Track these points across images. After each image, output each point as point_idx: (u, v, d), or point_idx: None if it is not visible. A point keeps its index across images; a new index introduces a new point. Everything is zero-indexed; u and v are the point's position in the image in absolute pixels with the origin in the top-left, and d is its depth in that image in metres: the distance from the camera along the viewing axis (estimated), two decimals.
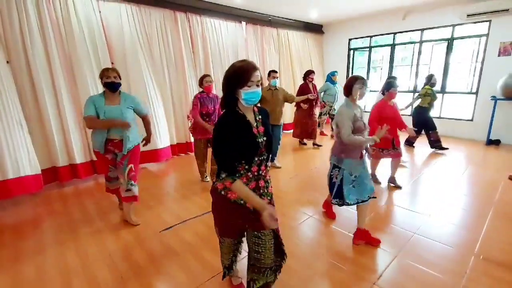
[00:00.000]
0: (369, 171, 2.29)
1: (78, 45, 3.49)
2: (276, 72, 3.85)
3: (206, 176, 3.62)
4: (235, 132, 1.20)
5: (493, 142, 5.00)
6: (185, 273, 1.87)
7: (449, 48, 5.45)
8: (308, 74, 4.74)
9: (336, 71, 5.58)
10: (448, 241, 2.17)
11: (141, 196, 2.60)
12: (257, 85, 1.19)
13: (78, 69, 3.53)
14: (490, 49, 4.95)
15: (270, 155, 1.34)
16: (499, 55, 4.86)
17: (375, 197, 2.16)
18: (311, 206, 2.84)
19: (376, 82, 6.91)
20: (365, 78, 2.25)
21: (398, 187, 3.20)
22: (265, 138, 1.28)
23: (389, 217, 2.62)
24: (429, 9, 5.41)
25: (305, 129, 4.97)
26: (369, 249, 2.08)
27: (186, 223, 2.53)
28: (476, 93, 5.24)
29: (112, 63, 3.86)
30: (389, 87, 3.01)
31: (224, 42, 5.12)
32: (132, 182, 2.41)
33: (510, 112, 4.86)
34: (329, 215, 2.58)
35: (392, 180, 3.26)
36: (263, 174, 1.32)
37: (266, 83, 4.00)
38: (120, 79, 2.30)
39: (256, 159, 1.26)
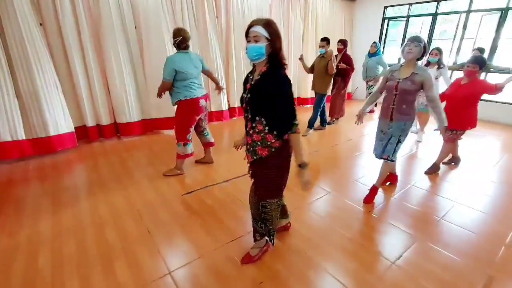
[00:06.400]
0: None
1: (103, 8, 3.47)
2: (322, 40, 3.88)
3: None
4: (243, 82, 1.47)
5: None
6: (208, 234, 1.98)
7: (502, 20, 4.81)
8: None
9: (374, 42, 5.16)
10: (476, 229, 2.07)
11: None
12: (255, 41, 1.26)
13: (103, 32, 3.56)
14: None
15: (261, 118, 1.35)
16: None
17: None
18: (331, 182, 2.82)
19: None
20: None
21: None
22: (249, 95, 1.35)
23: (415, 199, 2.52)
24: None
25: (332, 105, 4.82)
26: (391, 230, 2.07)
27: (206, 189, 2.64)
28: None
29: (135, 27, 3.85)
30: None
31: (248, 7, 4.85)
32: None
33: None
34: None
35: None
36: (250, 132, 1.40)
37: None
38: None
39: (245, 113, 1.42)
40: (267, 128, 1.35)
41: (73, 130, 3.57)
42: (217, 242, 1.88)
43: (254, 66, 1.40)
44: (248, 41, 1.29)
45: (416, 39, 2.01)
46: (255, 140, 1.39)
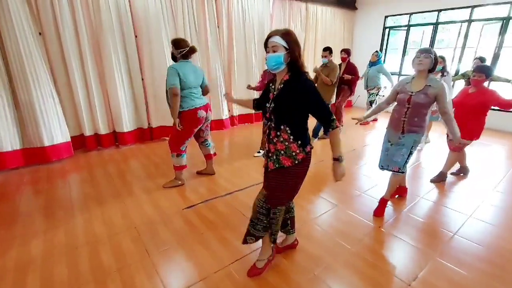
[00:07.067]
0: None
1: (104, 17, 3.44)
2: (324, 50, 3.87)
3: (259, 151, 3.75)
4: (263, 91, 1.50)
5: None
6: (210, 253, 1.86)
7: (503, 29, 4.82)
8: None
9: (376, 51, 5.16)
10: (490, 245, 1.97)
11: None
12: (274, 51, 1.29)
13: (103, 40, 3.51)
14: None
15: (284, 126, 1.35)
16: None
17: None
18: (338, 195, 2.72)
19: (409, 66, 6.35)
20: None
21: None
22: (272, 105, 1.36)
23: (425, 213, 2.42)
24: None
25: (338, 113, 4.70)
26: (403, 246, 1.96)
27: (208, 202, 2.52)
28: None
29: (136, 36, 3.81)
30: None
31: (249, 16, 4.85)
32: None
33: None
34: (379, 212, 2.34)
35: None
36: (274, 140, 1.39)
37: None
38: None
39: (267, 122, 1.42)
40: (291, 137, 1.36)
41: (69, 140, 3.49)
42: (220, 262, 1.76)
43: (274, 76, 1.41)
44: (267, 52, 1.32)
45: (426, 51, 1.98)
46: (279, 149, 1.40)
